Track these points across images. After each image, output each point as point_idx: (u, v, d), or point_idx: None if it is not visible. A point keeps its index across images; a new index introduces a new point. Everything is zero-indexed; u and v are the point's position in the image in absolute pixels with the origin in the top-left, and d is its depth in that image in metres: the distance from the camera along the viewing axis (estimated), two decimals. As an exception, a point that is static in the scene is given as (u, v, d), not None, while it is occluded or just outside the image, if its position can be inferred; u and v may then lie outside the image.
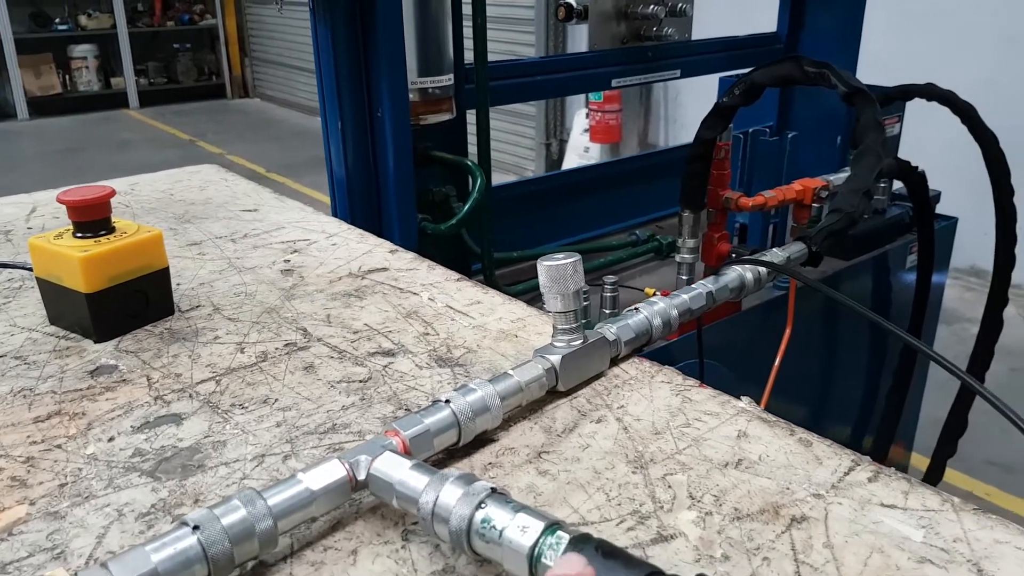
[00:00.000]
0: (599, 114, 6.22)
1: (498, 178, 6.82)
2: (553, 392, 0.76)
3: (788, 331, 1.74)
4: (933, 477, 2.13)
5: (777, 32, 2.44)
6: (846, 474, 0.65)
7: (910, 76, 5.02)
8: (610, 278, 1.47)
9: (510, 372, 0.72)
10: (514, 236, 1.96)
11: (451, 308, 0.95)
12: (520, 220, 1.98)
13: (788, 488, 0.63)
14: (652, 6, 1.98)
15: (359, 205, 1.44)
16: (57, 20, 10.27)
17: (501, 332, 0.89)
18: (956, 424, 2.06)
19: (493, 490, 0.52)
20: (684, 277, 1.57)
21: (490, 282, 1.67)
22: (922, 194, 1.87)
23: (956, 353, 4.28)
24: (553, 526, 0.49)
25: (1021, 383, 3.81)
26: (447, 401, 0.65)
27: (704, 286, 0.95)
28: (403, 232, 1.44)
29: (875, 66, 5.08)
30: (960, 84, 4.96)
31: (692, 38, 2.22)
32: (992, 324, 1.97)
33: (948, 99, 1.84)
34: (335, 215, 1.48)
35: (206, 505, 0.54)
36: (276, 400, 0.75)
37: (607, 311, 1.49)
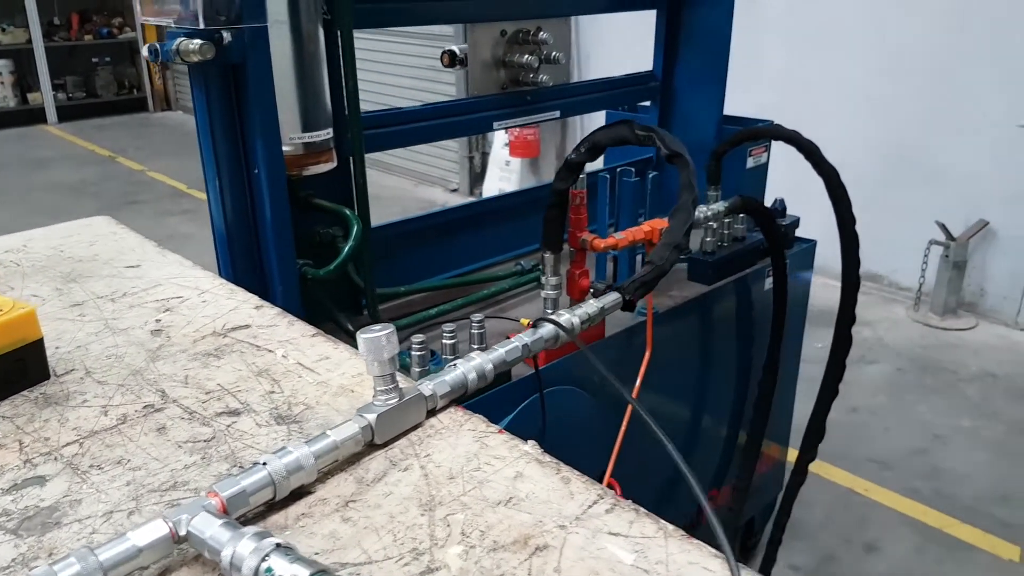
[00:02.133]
0: (517, 130, 6.40)
1: (423, 190, 6.92)
2: (372, 445, 0.90)
3: (647, 354, 1.91)
4: (797, 481, 2.34)
5: (653, 71, 2.64)
6: (590, 507, 0.81)
7: (804, 93, 5.32)
8: (476, 316, 1.61)
9: (328, 432, 0.85)
10: (404, 270, 2.10)
11: (301, 364, 1.09)
12: (408, 256, 2.12)
13: (541, 521, 0.78)
14: (526, 56, 2.14)
15: (240, 257, 1.56)
16: (-31, 34, 10.01)
17: (341, 388, 1.03)
18: (815, 431, 2.27)
19: (278, 545, 0.66)
20: (549, 311, 1.74)
21: (374, 318, 1.80)
22: (770, 225, 2.07)
23: (850, 355, 4.56)
24: (319, 572, 0.63)
25: (907, 382, 4.11)
26: (264, 464, 0.79)
27: (521, 339, 1.11)
28: (283, 280, 1.57)
29: (773, 85, 5.37)
30: (848, 98, 5.26)
31: (586, 78, 2.40)
32: (842, 341, 2.19)
33: (793, 139, 2.05)
34: (219, 266, 1.60)
35: (50, 561, 0.67)
36: (129, 460, 0.88)
37: (475, 346, 1.63)
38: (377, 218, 2.11)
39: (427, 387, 0.95)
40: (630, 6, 2.55)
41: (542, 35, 2.17)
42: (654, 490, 2.23)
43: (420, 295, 2.11)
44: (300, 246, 1.74)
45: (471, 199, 7.12)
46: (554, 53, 2.21)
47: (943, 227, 4.60)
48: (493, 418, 1.59)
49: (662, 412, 2.20)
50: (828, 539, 2.99)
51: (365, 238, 1.71)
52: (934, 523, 3.09)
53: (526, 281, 2.24)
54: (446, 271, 2.24)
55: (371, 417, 0.88)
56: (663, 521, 0.78)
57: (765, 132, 2.17)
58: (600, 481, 1.75)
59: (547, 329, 1.14)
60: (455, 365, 1.01)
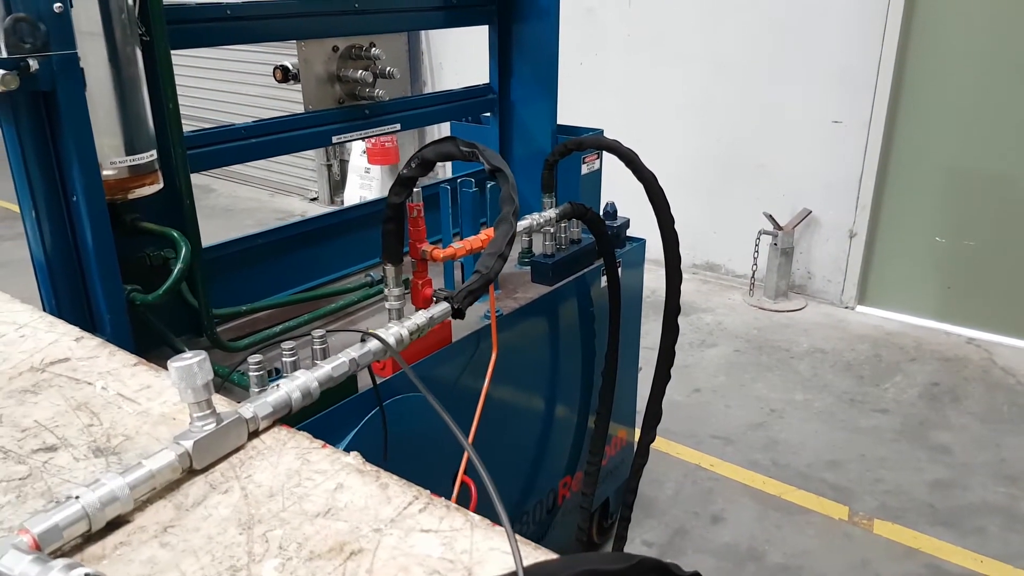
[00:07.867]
0: (374, 139, 6.39)
1: (281, 201, 6.80)
2: (192, 470, 0.92)
3: (494, 355, 2.00)
4: (639, 462, 2.49)
5: (489, 83, 2.73)
6: (405, 508, 0.87)
7: (645, 101, 5.62)
8: (318, 332, 1.63)
9: (143, 462, 0.87)
10: (252, 287, 2.09)
11: (121, 395, 1.09)
12: (253, 272, 2.11)
13: (357, 527, 0.84)
14: (360, 71, 2.18)
15: (63, 287, 1.51)
16: None
17: (162, 416, 1.04)
18: (653, 414, 2.43)
19: (87, 574, 0.68)
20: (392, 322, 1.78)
21: (213, 340, 1.79)
22: (599, 227, 2.20)
23: (692, 339, 4.83)
24: (126, 595, 0.66)
25: (745, 362, 4.41)
26: (77, 497, 0.80)
27: (348, 354, 1.15)
28: (111, 308, 1.53)
29: (617, 94, 5.62)
30: (682, 104, 5.62)
31: (440, 88, 2.45)
32: (670, 330, 2.35)
33: (613, 148, 2.18)
34: (41, 298, 1.54)
35: None
36: (-65, 508, 0.86)
37: (318, 362, 1.66)
38: (234, 231, 2.15)
39: (248, 409, 0.98)
40: (462, 22, 2.63)
41: (374, 51, 2.21)
42: (511, 481, 2.33)
43: (266, 312, 2.10)
44: (129, 271, 1.71)
45: (333, 208, 7.03)
46: (388, 68, 2.25)
47: (771, 218, 4.98)
48: (341, 428, 1.64)
49: (516, 407, 2.29)
50: (678, 514, 3.20)
51: (196, 258, 1.70)
52: (772, 491, 3.36)
53: (375, 293, 2.27)
54: (295, 286, 2.24)
55: (187, 444, 0.90)
56: (472, 514, 0.85)
57: (589, 142, 2.30)
58: (452, 482, 1.82)
59: (374, 343, 1.19)
60: (278, 385, 1.04)
